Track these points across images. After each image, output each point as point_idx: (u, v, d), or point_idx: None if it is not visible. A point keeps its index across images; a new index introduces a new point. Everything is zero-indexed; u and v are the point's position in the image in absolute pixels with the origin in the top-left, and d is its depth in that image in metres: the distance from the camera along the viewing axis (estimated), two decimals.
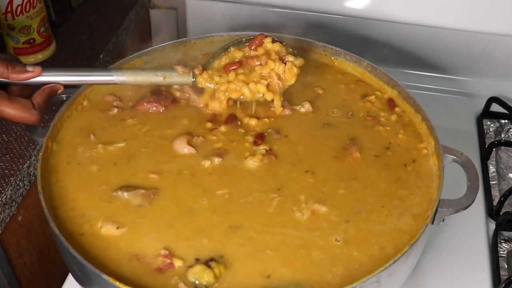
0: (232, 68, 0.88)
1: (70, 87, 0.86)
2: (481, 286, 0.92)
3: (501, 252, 0.96)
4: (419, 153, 0.87)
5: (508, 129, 1.20)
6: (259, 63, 0.88)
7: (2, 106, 0.74)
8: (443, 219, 0.79)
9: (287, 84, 0.89)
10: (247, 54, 0.89)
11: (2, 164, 1.00)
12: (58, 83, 0.80)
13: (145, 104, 0.93)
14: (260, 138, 0.89)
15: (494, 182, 1.08)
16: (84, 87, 0.93)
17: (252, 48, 0.89)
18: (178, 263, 0.72)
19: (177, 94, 0.96)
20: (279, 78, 0.88)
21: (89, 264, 0.68)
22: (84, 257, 0.69)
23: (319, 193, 0.81)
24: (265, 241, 0.75)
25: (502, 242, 0.97)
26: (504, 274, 0.93)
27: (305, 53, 1.03)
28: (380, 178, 0.84)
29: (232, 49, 0.90)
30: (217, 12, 1.36)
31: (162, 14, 1.48)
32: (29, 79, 0.77)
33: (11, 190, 0.97)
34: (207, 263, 0.72)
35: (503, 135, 1.19)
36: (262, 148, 0.87)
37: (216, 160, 0.85)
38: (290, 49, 0.90)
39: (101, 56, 1.26)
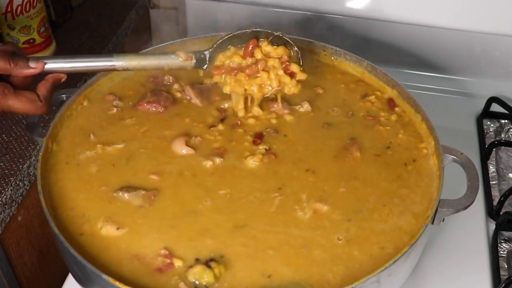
0: (233, 73, 0.88)
1: (73, 74, 0.86)
2: (481, 286, 0.92)
3: (501, 252, 0.96)
4: (419, 153, 0.87)
5: (508, 129, 1.20)
6: (258, 72, 0.87)
7: (9, 101, 0.74)
8: (443, 219, 0.79)
9: (288, 92, 0.89)
10: (243, 64, 0.87)
11: (2, 164, 1.00)
12: (61, 71, 0.80)
13: (145, 104, 0.93)
14: (259, 137, 0.89)
15: (494, 182, 1.08)
16: (84, 87, 0.93)
17: (247, 56, 0.87)
18: (178, 263, 0.72)
19: (178, 95, 0.96)
20: (280, 84, 0.88)
21: (89, 264, 0.68)
22: (84, 257, 0.69)
23: (320, 192, 0.81)
24: (268, 241, 0.75)
25: (502, 242, 0.97)
26: (504, 274, 0.93)
27: (307, 54, 1.03)
28: (381, 177, 0.84)
29: (232, 49, 0.89)
30: (217, 12, 1.36)
31: (162, 14, 1.48)
32: (32, 74, 0.76)
33: (11, 190, 0.97)
34: (207, 263, 0.72)
35: (503, 135, 1.19)
36: (261, 147, 0.87)
37: (217, 160, 0.85)
38: (295, 50, 0.89)
39: None
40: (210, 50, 0.87)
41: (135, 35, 1.45)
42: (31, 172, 1.02)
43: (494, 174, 1.09)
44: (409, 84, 0.98)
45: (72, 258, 0.71)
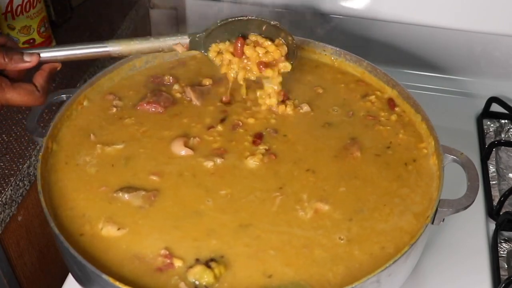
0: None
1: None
2: (481, 286, 0.92)
3: (501, 252, 0.96)
4: (420, 153, 0.87)
5: (508, 129, 1.20)
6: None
7: (7, 95, 0.74)
8: (443, 219, 0.79)
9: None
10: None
11: (2, 164, 1.00)
12: (56, 61, 0.80)
13: (145, 104, 0.93)
14: (259, 137, 0.89)
15: (494, 182, 1.08)
16: (84, 86, 0.93)
17: (238, 56, 0.88)
18: (178, 263, 0.72)
19: (178, 95, 0.96)
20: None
21: (89, 264, 0.68)
22: (84, 257, 0.69)
23: (321, 191, 0.81)
24: (272, 241, 0.75)
25: (502, 242, 0.97)
26: (504, 274, 0.93)
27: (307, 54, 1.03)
28: (381, 176, 0.84)
29: (222, 45, 0.89)
30: (217, 12, 1.36)
31: (162, 14, 1.48)
32: (27, 68, 0.77)
33: (11, 190, 0.97)
34: (207, 263, 0.72)
35: (503, 135, 1.19)
36: (261, 148, 0.87)
37: (217, 160, 0.85)
38: (290, 39, 0.89)
39: None
40: (204, 33, 0.87)
41: (135, 35, 1.45)
42: (31, 172, 1.02)
43: (494, 174, 1.09)
44: (409, 84, 0.98)
45: (72, 258, 0.71)
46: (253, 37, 0.88)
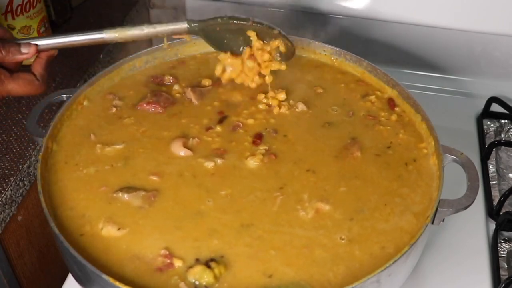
0: None
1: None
2: (481, 286, 0.92)
3: (501, 252, 0.96)
4: (420, 153, 0.87)
5: (508, 129, 1.20)
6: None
7: (8, 86, 0.74)
8: (443, 219, 0.79)
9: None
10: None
11: (2, 164, 1.00)
12: (53, 48, 0.80)
13: (145, 104, 0.93)
14: (258, 138, 0.89)
15: (494, 182, 1.08)
16: (84, 86, 0.93)
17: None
18: (178, 263, 0.72)
19: (178, 95, 0.96)
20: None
21: (89, 264, 0.68)
22: (84, 257, 0.69)
23: (322, 191, 0.81)
24: (273, 241, 0.75)
25: (502, 242, 0.97)
26: (504, 274, 0.93)
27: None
28: (382, 176, 0.84)
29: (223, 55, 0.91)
30: (217, 12, 1.36)
31: (162, 14, 1.48)
32: (26, 59, 0.77)
33: (11, 190, 0.97)
34: (207, 263, 0.72)
35: (503, 135, 1.19)
36: (261, 148, 0.87)
37: (217, 160, 0.85)
38: (289, 45, 0.91)
39: (101, 56, 1.26)
40: (203, 23, 0.88)
41: None
42: (31, 172, 1.02)
43: (494, 174, 1.09)
44: (409, 84, 0.98)
45: (72, 258, 0.71)
46: (257, 44, 0.89)
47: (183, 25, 0.86)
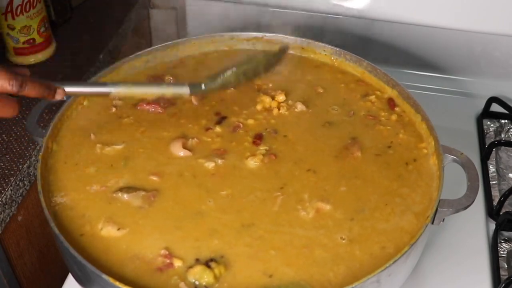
0: None
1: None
2: (481, 286, 0.92)
3: (501, 252, 0.96)
4: (420, 153, 0.88)
5: (508, 129, 1.20)
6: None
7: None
8: (443, 219, 0.79)
9: None
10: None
11: (2, 164, 1.00)
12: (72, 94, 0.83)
13: (145, 105, 0.93)
14: (259, 138, 0.89)
15: (494, 182, 1.08)
16: None
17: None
18: (177, 263, 0.72)
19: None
20: None
21: (89, 264, 0.68)
22: (84, 257, 0.69)
23: (322, 191, 0.81)
24: (274, 241, 0.75)
25: (502, 242, 0.97)
26: (504, 274, 0.93)
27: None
28: (382, 176, 0.84)
29: None
30: (217, 12, 1.36)
31: (162, 14, 1.48)
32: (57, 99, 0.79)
33: (11, 190, 0.97)
34: (207, 263, 0.72)
35: (503, 135, 1.19)
36: (262, 148, 0.87)
37: (218, 161, 0.85)
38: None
39: (101, 56, 1.26)
40: (208, 83, 0.86)
41: (135, 35, 1.45)
42: (31, 172, 1.02)
43: (494, 174, 1.09)
44: (409, 84, 0.98)
45: (72, 258, 0.71)
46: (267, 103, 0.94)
47: (186, 90, 0.85)
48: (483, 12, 1.20)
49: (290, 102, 0.95)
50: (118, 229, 0.76)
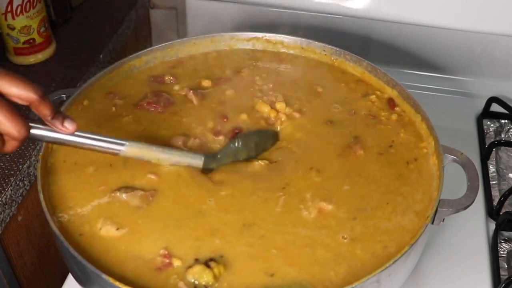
0: None
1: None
2: (481, 286, 0.92)
3: (501, 252, 0.96)
4: (420, 152, 0.87)
5: (508, 129, 1.20)
6: None
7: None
8: (443, 219, 0.79)
9: None
10: None
11: (2, 164, 1.00)
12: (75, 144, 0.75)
13: (145, 104, 0.93)
14: None
15: (494, 182, 1.08)
16: (84, 86, 0.93)
17: None
18: (177, 263, 0.72)
19: (178, 96, 0.96)
20: None
21: (89, 264, 0.68)
22: (84, 257, 0.69)
23: (324, 191, 0.81)
24: (275, 240, 0.75)
25: (502, 242, 0.97)
26: (504, 274, 0.93)
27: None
28: (384, 174, 0.83)
29: None
30: (217, 12, 1.36)
31: (162, 14, 1.48)
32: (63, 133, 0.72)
33: (11, 190, 0.97)
34: (207, 263, 0.72)
35: (503, 135, 1.19)
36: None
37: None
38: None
39: (101, 56, 1.26)
40: (217, 160, 0.84)
41: (135, 35, 1.45)
42: (31, 172, 1.02)
43: (494, 174, 1.09)
44: (409, 84, 0.98)
45: (72, 258, 0.71)
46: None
47: (199, 162, 0.83)
48: (483, 12, 1.20)
49: (291, 101, 0.95)
50: (117, 229, 0.76)
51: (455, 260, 0.95)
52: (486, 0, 1.19)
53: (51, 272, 1.17)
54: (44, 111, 0.68)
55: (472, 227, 1.00)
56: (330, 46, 1.02)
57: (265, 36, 1.05)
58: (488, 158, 1.11)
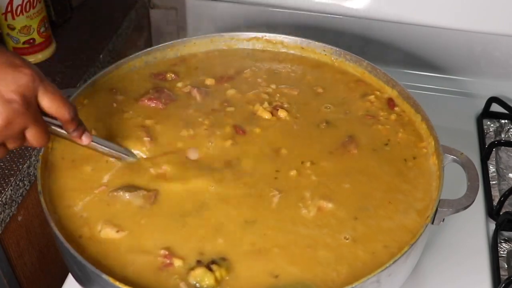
0: None
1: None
2: (481, 286, 0.92)
3: (501, 252, 0.96)
4: (420, 152, 0.87)
5: (508, 129, 1.20)
6: None
7: None
8: (443, 219, 0.79)
9: None
10: None
11: (2, 164, 1.00)
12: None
13: (146, 100, 0.93)
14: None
15: (494, 182, 1.08)
16: (84, 86, 0.93)
17: None
18: (178, 263, 0.72)
19: (179, 93, 0.96)
20: None
21: (89, 264, 0.68)
22: (84, 257, 0.69)
23: (324, 189, 0.81)
24: (276, 240, 0.75)
25: (502, 242, 0.97)
26: (504, 274, 0.93)
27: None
28: (383, 171, 0.83)
29: None
30: (217, 12, 1.36)
31: (162, 14, 1.48)
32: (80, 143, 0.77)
33: (11, 190, 0.97)
34: (209, 265, 0.71)
35: (503, 135, 1.19)
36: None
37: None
38: None
39: (101, 56, 1.26)
40: None
41: (135, 35, 1.45)
42: (31, 172, 1.02)
43: (494, 174, 1.09)
44: (409, 84, 0.98)
45: (72, 259, 0.71)
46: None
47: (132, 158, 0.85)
48: (483, 12, 1.20)
49: (291, 101, 0.95)
50: (117, 231, 0.75)
51: (455, 260, 0.95)
52: (486, 0, 1.19)
53: (51, 272, 1.17)
54: (70, 128, 0.74)
55: (472, 227, 1.00)
56: (330, 46, 1.02)
57: (265, 36, 1.05)
58: (488, 158, 1.11)
